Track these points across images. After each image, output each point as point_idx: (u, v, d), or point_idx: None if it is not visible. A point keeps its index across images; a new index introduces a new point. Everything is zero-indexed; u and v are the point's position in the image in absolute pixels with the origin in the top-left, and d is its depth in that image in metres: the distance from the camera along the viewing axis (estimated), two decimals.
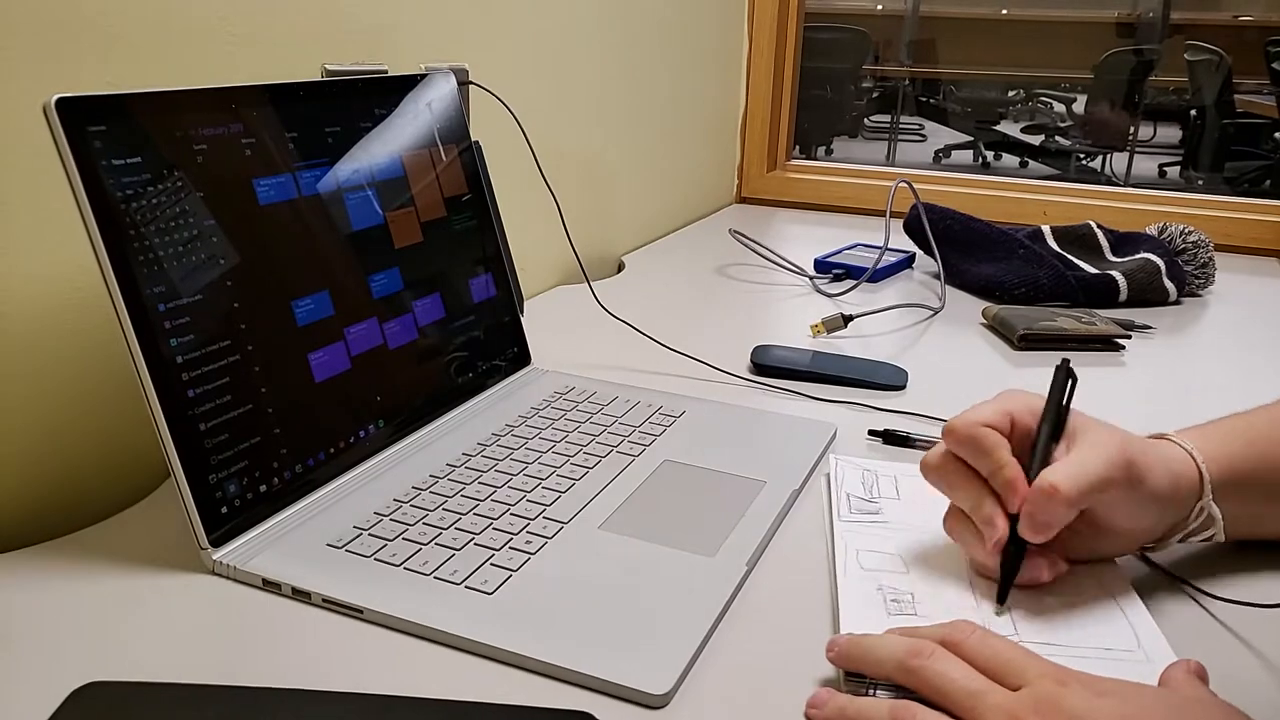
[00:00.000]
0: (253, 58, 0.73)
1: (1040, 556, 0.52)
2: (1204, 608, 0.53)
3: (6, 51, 0.57)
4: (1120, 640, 0.48)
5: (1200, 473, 0.53)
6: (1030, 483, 0.50)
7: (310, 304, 0.61)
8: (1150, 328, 1.00)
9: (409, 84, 0.73)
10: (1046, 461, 0.51)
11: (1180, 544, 0.55)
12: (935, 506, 0.56)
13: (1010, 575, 0.51)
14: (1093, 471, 0.49)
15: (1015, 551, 0.51)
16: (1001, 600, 0.51)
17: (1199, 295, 1.14)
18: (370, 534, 0.56)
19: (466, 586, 0.51)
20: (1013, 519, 0.50)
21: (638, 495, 0.62)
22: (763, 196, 1.69)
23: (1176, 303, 1.11)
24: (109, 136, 0.50)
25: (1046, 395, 0.54)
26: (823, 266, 1.20)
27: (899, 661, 0.43)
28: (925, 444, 0.71)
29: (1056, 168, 4.96)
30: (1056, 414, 0.53)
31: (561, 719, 0.42)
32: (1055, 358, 0.56)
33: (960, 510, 0.53)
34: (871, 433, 0.73)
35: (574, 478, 0.63)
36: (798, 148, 1.77)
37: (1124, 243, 1.17)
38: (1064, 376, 0.54)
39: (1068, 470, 0.49)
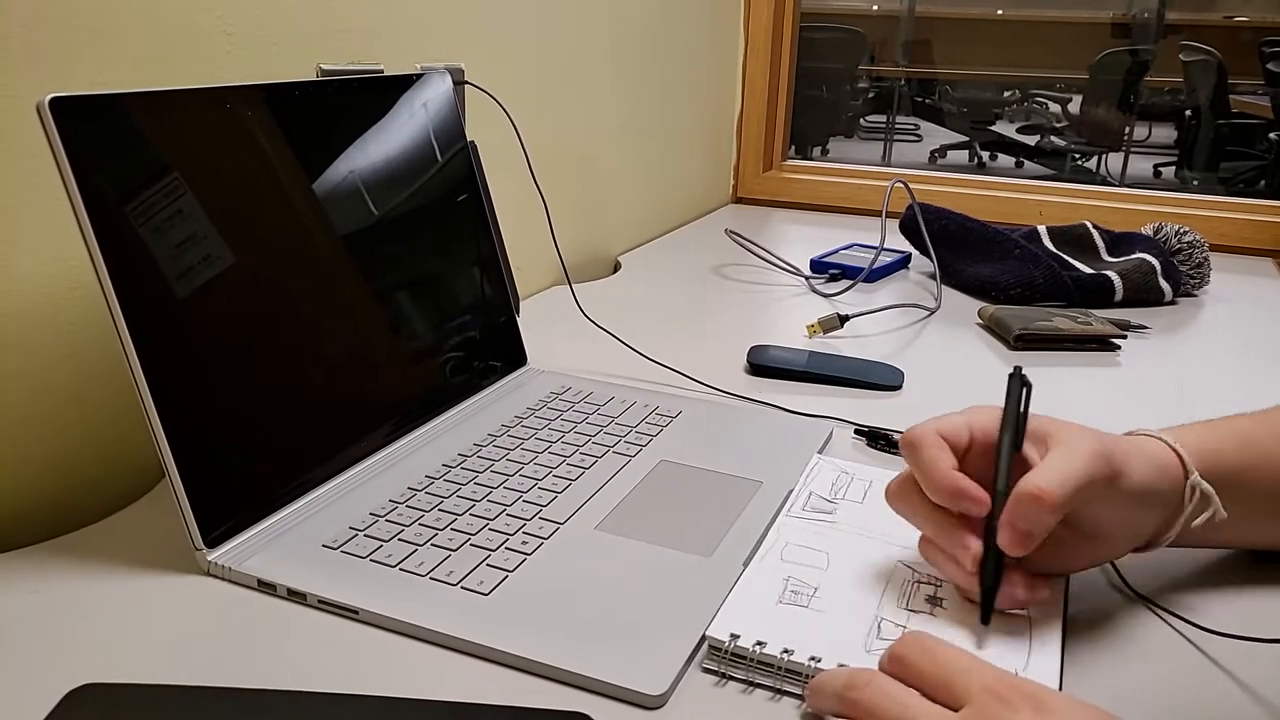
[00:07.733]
0: (248, 57, 0.72)
1: (1015, 574, 0.48)
2: (1189, 639, 0.50)
3: (2, 51, 0.57)
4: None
5: (1180, 455, 0.51)
6: (993, 493, 0.48)
7: (304, 304, 0.61)
8: (1146, 328, 1.00)
9: (405, 84, 0.73)
10: (1012, 470, 0.48)
11: (1174, 548, 0.53)
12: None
13: (992, 591, 0.47)
14: (1075, 470, 0.46)
15: (994, 565, 0.47)
16: (985, 621, 0.47)
17: (1194, 295, 1.15)
18: (366, 535, 0.56)
19: (462, 587, 0.51)
20: (990, 536, 0.47)
21: (634, 495, 0.62)
22: (758, 197, 1.69)
23: (1172, 303, 1.11)
24: (103, 136, 0.50)
25: (1004, 405, 0.51)
26: (819, 267, 1.20)
27: (837, 693, 0.41)
28: None
29: (1052, 168, 4.97)
30: (1016, 421, 0.50)
31: None
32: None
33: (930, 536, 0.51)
34: (857, 432, 0.73)
35: (570, 478, 0.63)
36: (793, 148, 1.77)
37: (1119, 243, 1.17)
38: (1019, 384, 0.51)
39: (1048, 473, 0.46)
